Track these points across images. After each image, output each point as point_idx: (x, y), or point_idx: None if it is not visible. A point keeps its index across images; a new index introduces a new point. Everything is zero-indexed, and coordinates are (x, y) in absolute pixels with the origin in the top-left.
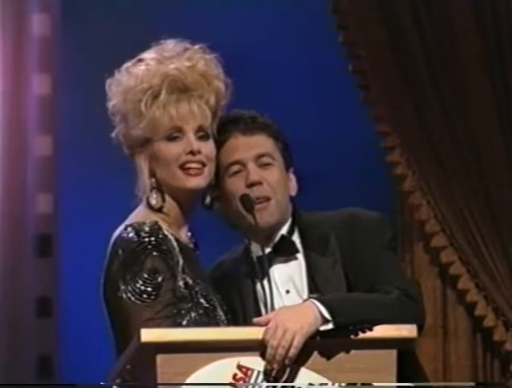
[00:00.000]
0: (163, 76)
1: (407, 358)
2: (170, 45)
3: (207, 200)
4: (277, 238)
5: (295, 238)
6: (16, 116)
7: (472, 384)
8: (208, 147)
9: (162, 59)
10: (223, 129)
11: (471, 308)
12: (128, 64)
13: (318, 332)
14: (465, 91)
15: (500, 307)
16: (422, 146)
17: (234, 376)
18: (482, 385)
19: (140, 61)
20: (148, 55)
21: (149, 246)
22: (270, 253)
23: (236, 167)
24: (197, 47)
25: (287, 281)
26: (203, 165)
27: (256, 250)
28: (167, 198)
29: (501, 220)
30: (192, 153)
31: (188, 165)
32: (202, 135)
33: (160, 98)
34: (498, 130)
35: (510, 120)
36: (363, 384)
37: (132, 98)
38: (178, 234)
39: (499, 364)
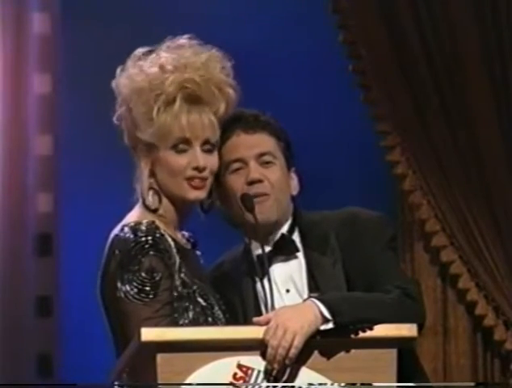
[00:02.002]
0: (179, 86)
1: (407, 358)
2: (187, 47)
3: (207, 202)
4: (277, 236)
5: (296, 236)
6: (16, 116)
7: (472, 383)
8: (213, 160)
9: (179, 65)
10: (225, 127)
11: (471, 307)
12: (140, 55)
13: (318, 332)
14: (465, 90)
15: (500, 306)
16: (423, 146)
17: (234, 375)
18: (482, 384)
19: (155, 60)
20: (165, 58)
21: (146, 246)
22: (270, 252)
23: (237, 165)
24: (214, 52)
25: (287, 280)
26: (206, 179)
27: (256, 249)
28: (164, 200)
29: (501, 219)
30: (198, 169)
31: (192, 179)
32: (208, 148)
33: (173, 107)
34: (498, 130)
35: (511, 119)
36: (362, 384)
37: (144, 101)
38: (175, 235)
39: (499, 363)
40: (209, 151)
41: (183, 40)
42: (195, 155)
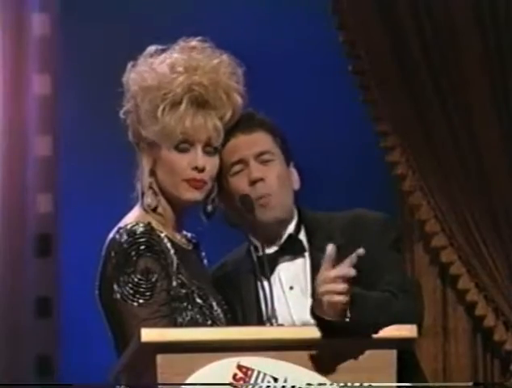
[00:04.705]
0: (187, 87)
1: (406, 358)
2: (199, 49)
3: (209, 208)
4: (284, 237)
5: (302, 236)
6: (16, 116)
7: (472, 384)
8: (213, 163)
9: (189, 67)
10: None
11: (471, 308)
12: (152, 53)
13: (321, 329)
14: (465, 91)
15: (500, 307)
16: (422, 146)
17: (234, 376)
18: (482, 385)
19: (166, 60)
20: (175, 59)
21: (142, 248)
22: (276, 252)
23: (238, 167)
24: (225, 57)
25: (293, 278)
26: (205, 183)
27: (259, 250)
28: (163, 200)
29: (501, 219)
30: (197, 169)
31: (191, 181)
32: (209, 150)
33: (179, 108)
34: (498, 130)
35: (510, 119)
36: (362, 384)
37: (151, 99)
38: (173, 235)
39: (499, 364)
40: (210, 154)
41: (196, 41)
42: (195, 156)
